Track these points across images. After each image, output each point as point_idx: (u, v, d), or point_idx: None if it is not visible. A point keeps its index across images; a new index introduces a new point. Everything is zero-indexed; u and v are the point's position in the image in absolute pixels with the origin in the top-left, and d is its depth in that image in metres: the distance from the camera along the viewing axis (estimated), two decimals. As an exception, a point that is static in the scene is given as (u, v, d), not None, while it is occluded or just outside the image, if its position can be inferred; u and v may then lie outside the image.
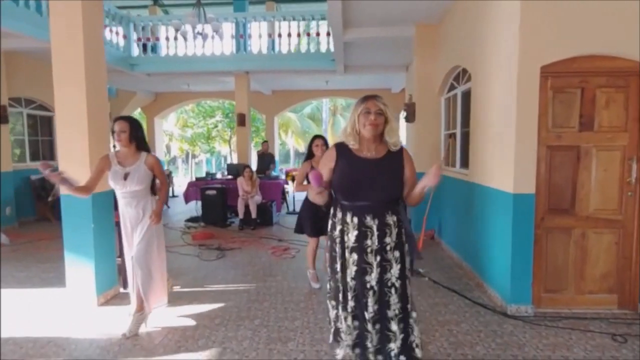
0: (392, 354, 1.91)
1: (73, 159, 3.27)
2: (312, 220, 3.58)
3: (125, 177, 2.73)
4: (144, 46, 8.41)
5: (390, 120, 1.92)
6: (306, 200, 3.57)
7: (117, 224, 3.59)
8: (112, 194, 3.52)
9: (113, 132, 2.74)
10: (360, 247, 1.91)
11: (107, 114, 3.65)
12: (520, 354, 2.51)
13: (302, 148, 30.97)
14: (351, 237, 1.93)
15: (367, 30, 5.59)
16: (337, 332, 2.00)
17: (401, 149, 1.98)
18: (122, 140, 2.72)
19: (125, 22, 8.12)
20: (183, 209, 8.21)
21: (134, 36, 8.34)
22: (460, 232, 4.40)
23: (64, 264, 3.38)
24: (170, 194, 10.45)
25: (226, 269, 4.29)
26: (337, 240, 1.98)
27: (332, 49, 7.76)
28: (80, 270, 3.33)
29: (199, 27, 6.12)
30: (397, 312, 1.92)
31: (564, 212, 3.13)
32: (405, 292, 1.94)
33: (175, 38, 8.09)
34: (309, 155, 3.69)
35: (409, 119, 5.84)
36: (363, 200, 1.90)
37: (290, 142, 25.38)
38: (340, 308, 1.97)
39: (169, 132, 20.10)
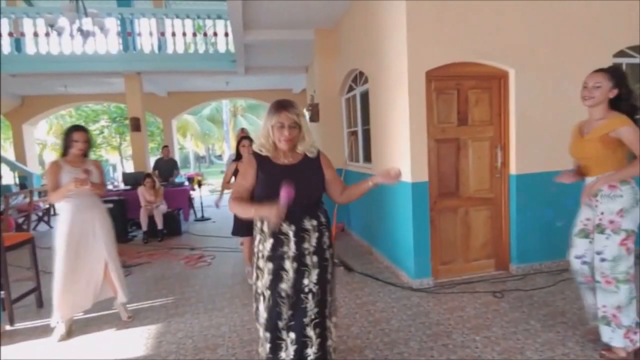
0: (309, 359, 1.85)
1: None
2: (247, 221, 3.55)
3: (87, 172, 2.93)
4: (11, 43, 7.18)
5: (304, 130, 1.87)
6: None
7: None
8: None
9: (69, 140, 2.93)
10: (275, 255, 1.83)
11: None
12: (427, 320, 2.90)
13: (203, 151, 29.73)
14: (267, 245, 1.85)
15: (268, 32, 5.67)
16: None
17: (318, 153, 1.96)
18: (83, 149, 2.99)
19: (-22, 13, 6.83)
20: (71, 227, 7.26)
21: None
22: (368, 221, 4.80)
23: None
24: (52, 212, 9.14)
25: (136, 286, 3.98)
26: (256, 251, 1.91)
27: (231, 49, 7.65)
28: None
29: (78, 23, 5.48)
30: (312, 317, 1.85)
31: (451, 195, 3.67)
32: (325, 297, 1.89)
33: (47, 34, 7.08)
34: (237, 156, 3.89)
35: (314, 118, 6.11)
36: (297, 206, 1.76)
37: (189, 145, 24.13)
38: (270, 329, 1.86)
39: (42, 140, 17.45)
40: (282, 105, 1.83)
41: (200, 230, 6.77)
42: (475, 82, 3.62)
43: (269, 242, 1.85)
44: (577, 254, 2.41)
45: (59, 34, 5.50)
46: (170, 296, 3.67)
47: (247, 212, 1.82)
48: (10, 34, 7.28)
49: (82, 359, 2.64)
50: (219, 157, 32.90)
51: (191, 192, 7.92)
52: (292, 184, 1.71)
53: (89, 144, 3.03)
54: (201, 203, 8.04)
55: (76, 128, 3.07)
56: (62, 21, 5.79)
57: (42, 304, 3.54)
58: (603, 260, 2.22)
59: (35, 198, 7.37)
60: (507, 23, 3.54)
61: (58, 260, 2.92)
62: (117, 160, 20.38)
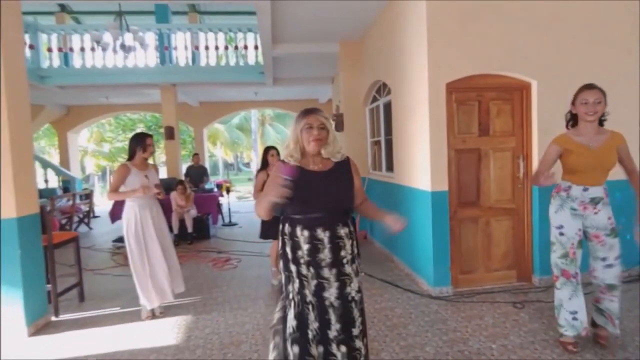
0: None
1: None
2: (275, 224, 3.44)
3: (147, 177, 3.31)
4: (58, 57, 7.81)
5: (331, 133, 1.89)
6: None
7: (46, 247, 3.42)
8: (39, 217, 3.35)
9: (143, 144, 3.32)
10: (314, 261, 1.83)
11: (29, 127, 3.44)
12: (444, 327, 2.95)
13: (231, 159, 30.53)
14: (305, 251, 1.84)
15: (295, 46, 5.91)
16: None
17: (347, 160, 1.97)
18: (152, 152, 3.43)
19: (33, 30, 7.47)
20: (108, 229, 7.72)
21: (43, 46, 7.70)
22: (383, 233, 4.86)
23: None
24: (92, 214, 9.69)
25: (167, 285, 4.23)
26: (289, 257, 1.88)
27: (260, 61, 7.97)
28: (5, 301, 3.08)
29: (121, 39, 5.92)
30: (360, 327, 1.86)
31: (472, 205, 3.70)
32: (363, 305, 1.92)
33: (93, 49, 7.65)
34: (264, 164, 4.01)
35: (338, 128, 6.27)
36: (315, 213, 1.83)
37: (218, 153, 24.84)
38: (300, 343, 1.78)
39: (83, 147, 18.52)
40: (309, 110, 1.91)
41: (227, 234, 7.04)
42: (497, 93, 3.66)
43: (305, 247, 1.84)
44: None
45: (104, 49, 5.93)
46: (199, 295, 3.88)
47: (264, 201, 1.80)
48: (60, 49, 7.91)
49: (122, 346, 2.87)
50: (247, 164, 33.65)
51: (220, 198, 8.23)
52: (326, 190, 1.83)
53: (154, 150, 3.49)
54: (229, 209, 8.33)
55: (147, 135, 3.45)
56: (107, 37, 6.27)
57: (83, 299, 3.85)
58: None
59: (77, 201, 7.89)
60: (529, 35, 3.58)
61: (129, 253, 3.29)
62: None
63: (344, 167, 1.94)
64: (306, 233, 1.84)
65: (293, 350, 1.78)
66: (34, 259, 3.27)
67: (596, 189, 2.44)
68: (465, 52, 3.52)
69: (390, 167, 4.97)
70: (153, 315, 3.39)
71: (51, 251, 3.49)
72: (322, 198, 1.84)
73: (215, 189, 8.60)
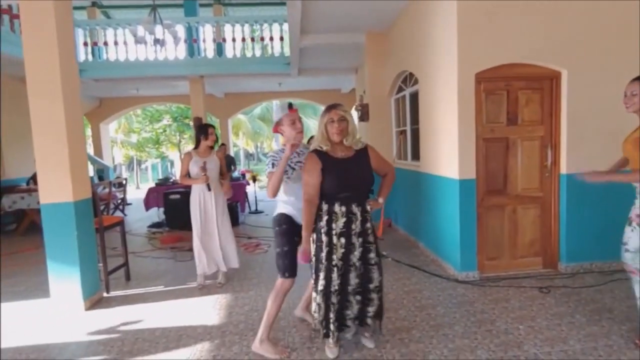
0: (369, 315, 2.45)
1: (52, 166, 3.31)
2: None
3: (205, 163, 3.71)
4: (92, 51, 8.16)
5: (351, 124, 2.31)
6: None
7: (97, 229, 3.71)
8: (91, 202, 3.63)
9: (205, 133, 3.78)
10: (347, 232, 2.30)
11: (82, 119, 3.73)
12: (471, 308, 3.09)
13: (252, 149, 30.92)
14: (339, 224, 2.30)
15: (323, 36, 6.02)
16: (326, 327, 2.37)
17: (366, 147, 2.40)
18: (215, 140, 3.86)
19: (69, 26, 7.81)
20: (141, 216, 8.12)
21: (80, 40, 8.06)
22: (415, 217, 4.99)
23: (37, 275, 3.42)
24: (126, 202, 10.16)
25: (204, 267, 4.50)
26: (323, 230, 2.31)
27: (285, 52, 8.11)
28: (65, 278, 3.39)
29: (156, 33, 6.16)
30: (377, 284, 2.41)
31: (499, 193, 3.78)
32: (381, 268, 2.44)
33: (125, 42, 7.96)
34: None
35: (363, 118, 6.38)
36: (347, 192, 2.30)
37: (240, 143, 25.23)
38: (325, 294, 2.32)
39: (112, 137, 19.18)
40: (331, 106, 2.36)
41: (254, 221, 7.31)
42: (526, 82, 3.70)
43: (342, 221, 2.30)
44: (622, 241, 2.52)
45: (140, 43, 6.19)
46: (235, 276, 4.12)
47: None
48: (95, 43, 8.25)
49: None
50: (267, 154, 34.03)
51: (247, 186, 8.49)
52: (352, 173, 2.29)
53: (216, 138, 3.90)
54: (255, 197, 8.59)
55: (209, 125, 3.92)
56: (140, 30, 6.52)
57: (129, 277, 4.15)
58: (626, 251, 2.40)
59: (113, 189, 8.30)
60: (559, 24, 3.59)
61: (193, 230, 3.81)
62: (176, 157, 21.86)
63: (363, 153, 2.38)
64: (343, 208, 2.30)
65: (320, 300, 2.34)
66: (88, 239, 3.56)
67: None
68: (495, 42, 3.57)
69: (416, 156, 5.06)
70: (204, 283, 3.87)
71: (102, 233, 3.79)
72: (351, 179, 2.29)
73: (241, 178, 8.87)
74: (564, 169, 3.72)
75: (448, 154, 3.86)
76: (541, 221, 3.85)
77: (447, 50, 3.74)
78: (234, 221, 6.92)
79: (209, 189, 3.75)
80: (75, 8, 9.66)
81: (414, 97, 5.00)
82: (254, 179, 8.47)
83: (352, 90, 10.55)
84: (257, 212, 8.26)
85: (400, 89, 5.69)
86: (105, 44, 8.30)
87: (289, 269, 2.47)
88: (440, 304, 3.19)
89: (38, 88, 3.28)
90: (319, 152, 2.33)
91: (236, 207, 7.06)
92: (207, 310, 3.31)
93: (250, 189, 8.92)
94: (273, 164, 2.46)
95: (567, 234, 3.76)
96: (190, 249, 5.27)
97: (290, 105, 2.58)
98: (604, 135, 3.57)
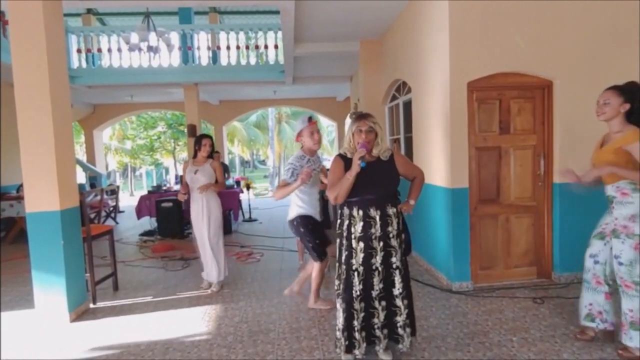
0: (399, 325, 2.34)
1: (39, 174, 3.24)
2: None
3: (196, 172, 3.82)
4: (86, 57, 8.12)
5: (379, 135, 2.31)
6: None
7: (85, 239, 3.64)
8: (78, 210, 3.57)
9: (199, 144, 3.89)
10: (365, 236, 2.30)
11: (71, 126, 3.67)
12: (465, 320, 3.04)
13: (248, 156, 30.88)
14: (358, 228, 2.32)
15: (317, 45, 6.04)
16: (350, 338, 2.31)
17: (392, 155, 2.40)
18: (209, 151, 3.92)
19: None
20: (134, 224, 8.03)
21: (74, 47, 8.02)
22: (409, 225, 4.93)
23: (24, 285, 3.35)
24: (118, 209, 10.05)
25: (195, 277, 4.41)
26: (345, 234, 2.36)
27: (280, 60, 8.12)
28: (50, 288, 3.30)
29: (148, 41, 6.14)
30: (400, 290, 2.34)
31: (492, 202, 3.76)
32: (408, 274, 2.41)
33: (119, 49, 7.93)
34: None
35: (357, 126, 6.36)
36: (367, 195, 2.30)
37: (235, 150, 25.19)
38: (346, 300, 2.31)
39: (106, 144, 19.08)
40: (361, 115, 2.36)
41: (248, 230, 7.24)
42: (518, 92, 3.70)
43: (360, 225, 2.31)
44: (592, 253, 2.57)
45: (133, 50, 6.16)
46: (225, 287, 4.05)
47: (345, 182, 2.26)
48: (89, 50, 8.22)
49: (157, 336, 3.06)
50: (263, 162, 34.00)
51: (240, 194, 8.43)
52: (374, 177, 2.30)
53: (212, 147, 3.96)
54: (249, 205, 8.53)
55: (203, 136, 3.99)
56: (134, 38, 6.50)
57: (117, 288, 4.07)
58: (620, 264, 2.37)
59: (104, 197, 8.21)
60: (551, 34, 3.60)
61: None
62: (171, 164, 21.77)
63: (388, 160, 2.39)
64: (361, 213, 2.32)
65: (339, 305, 2.36)
66: (75, 249, 3.49)
67: (609, 187, 2.45)
68: (487, 51, 3.57)
69: (409, 165, 5.04)
70: (209, 286, 3.97)
71: (89, 242, 3.71)
72: (372, 183, 2.29)
73: (235, 186, 8.81)
74: (557, 178, 3.71)
75: (441, 163, 3.84)
76: (534, 230, 3.83)
77: (439, 59, 3.74)
78: (228, 229, 6.87)
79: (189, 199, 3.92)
80: (71, 15, 9.69)
81: (408, 105, 5.00)
82: (248, 187, 8.41)
83: (347, 99, 10.57)
84: (250, 220, 8.19)
85: (394, 97, 5.70)
86: (99, 50, 8.26)
87: (322, 254, 3.18)
88: (433, 315, 3.14)
89: (26, 94, 3.22)
90: (343, 157, 2.39)
91: (229, 215, 6.99)
92: (196, 322, 3.24)
93: (244, 196, 8.86)
94: (292, 173, 2.93)
95: (560, 243, 3.74)
96: (182, 258, 5.25)
97: (310, 119, 3.05)
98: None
